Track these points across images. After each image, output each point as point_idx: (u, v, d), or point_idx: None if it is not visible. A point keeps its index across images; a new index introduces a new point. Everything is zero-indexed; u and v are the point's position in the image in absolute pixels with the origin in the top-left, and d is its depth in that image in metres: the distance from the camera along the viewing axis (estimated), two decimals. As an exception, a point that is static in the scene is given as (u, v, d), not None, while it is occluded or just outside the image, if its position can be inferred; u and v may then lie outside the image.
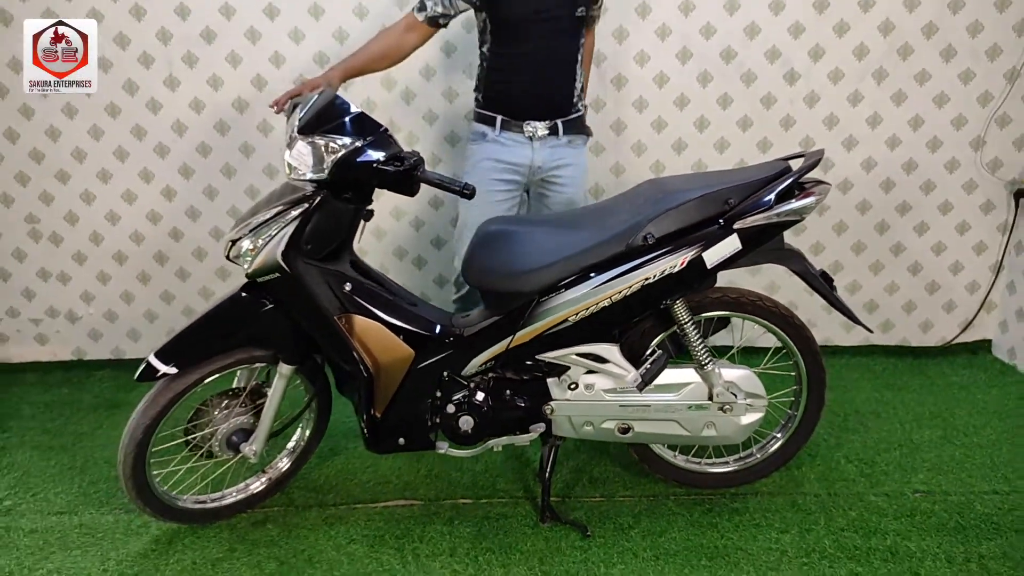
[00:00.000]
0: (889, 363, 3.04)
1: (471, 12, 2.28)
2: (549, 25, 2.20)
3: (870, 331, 2.19)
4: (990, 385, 2.86)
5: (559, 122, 2.29)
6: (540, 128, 2.28)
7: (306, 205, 1.82)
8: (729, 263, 1.91)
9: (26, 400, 2.88)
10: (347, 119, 1.83)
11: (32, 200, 2.93)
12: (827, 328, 3.08)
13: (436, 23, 2.26)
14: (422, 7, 2.24)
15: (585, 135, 2.41)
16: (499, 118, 2.29)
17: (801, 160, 1.94)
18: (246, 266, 1.86)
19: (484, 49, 2.30)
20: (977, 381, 2.89)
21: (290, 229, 1.81)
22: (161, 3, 2.71)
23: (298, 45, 2.76)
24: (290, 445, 2.23)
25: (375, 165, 1.81)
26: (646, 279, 1.88)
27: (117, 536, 2.09)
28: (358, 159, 1.81)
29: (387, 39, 2.27)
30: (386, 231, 2.98)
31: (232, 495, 2.16)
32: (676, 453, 2.21)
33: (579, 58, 2.29)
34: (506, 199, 2.36)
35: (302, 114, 1.84)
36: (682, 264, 1.87)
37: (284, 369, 2.00)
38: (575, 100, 2.32)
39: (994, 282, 3.03)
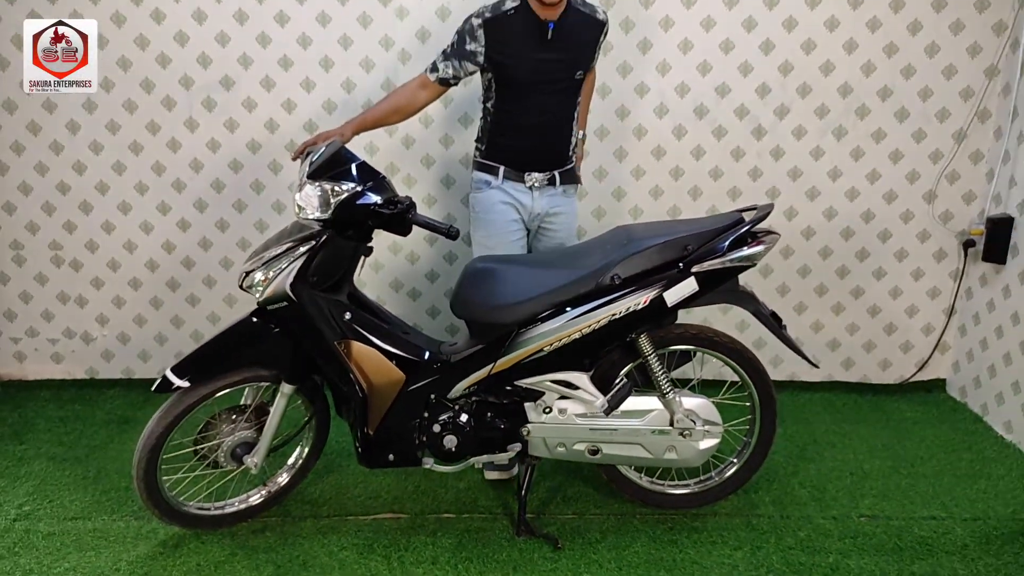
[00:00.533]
0: (850, 398, 3.26)
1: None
2: (549, 87, 2.36)
3: (816, 365, 2.39)
4: (941, 421, 3.07)
5: (556, 173, 2.46)
6: (540, 179, 2.45)
7: (313, 242, 2.05)
8: (688, 302, 2.14)
9: (41, 415, 3.08)
10: (350, 167, 2.08)
11: (56, 229, 3.16)
12: (793, 364, 3.30)
13: (447, 83, 2.44)
14: (434, 69, 2.41)
15: (576, 183, 2.57)
16: (502, 168, 2.44)
17: (754, 211, 2.18)
18: (258, 295, 2.08)
19: (488, 105, 2.46)
20: (929, 417, 3.10)
21: (299, 263, 2.04)
22: (184, 52, 2.97)
23: (309, 93, 3.02)
24: (290, 461, 2.43)
25: (373, 207, 2.05)
26: (613, 315, 2.11)
27: (128, 540, 2.29)
28: (358, 202, 2.04)
29: (400, 96, 2.45)
30: (384, 264, 3.21)
31: (233, 505, 2.36)
32: (642, 475, 2.42)
33: (575, 115, 2.46)
34: (520, 238, 2.49)
35: (312, 162, 2.09)
36: (645, 302, 2.10)
37: (286, 388, 2.21)
38: (570, 153, 2.50)
39: (947, 325, 3.26)
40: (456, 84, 2.47)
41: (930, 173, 3.10)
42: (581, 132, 2.60)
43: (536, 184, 2.44)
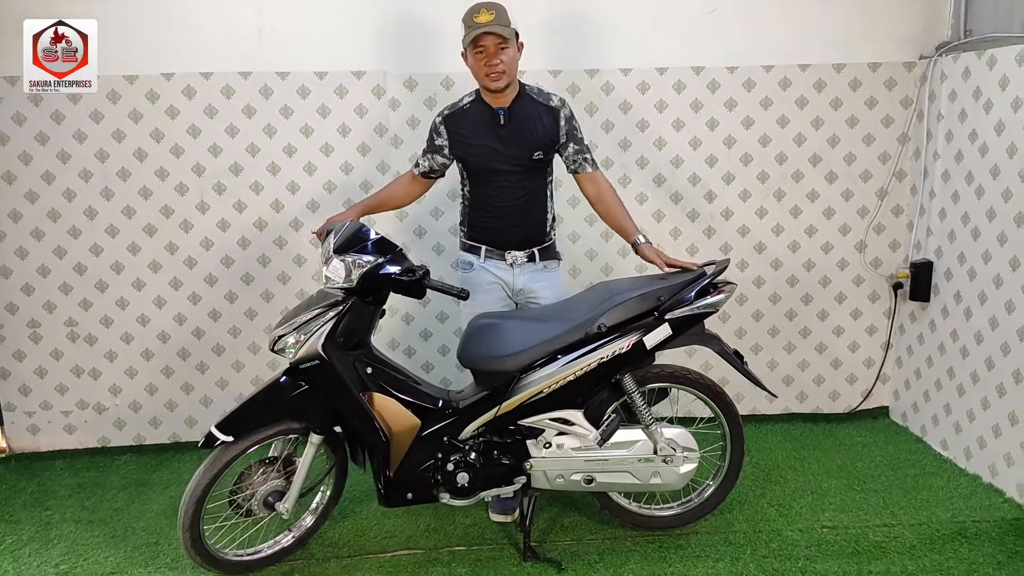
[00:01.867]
0: (805, 427, 3.63)
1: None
2: (511, 170, 2.59)
3: (774, 396, 2.75)
4: (887, 443, 3.45)
5: (535, 250, 2.69)
6: (520, 256, 2.68)
7: (340, 307, 2.36)
8: (664, 345, 2.50)
9: (59, 483, 3.24)
10: (370, 242, 2.41)
11: (73, 307, 3.39)
12: (754, 399, 3.67)
13: (430, 176, 2.75)
14: (417, 164, 2.73)
15: (558, 259, 2.79)
16: (483, 248, 2.68)
17: (713, 266, 2.57)
18: (290, 356, 2.37)
19: (465, 191, 2.72)
20: (876, 440, 3.48)
21: (328, 326, 2.34)
22: (197, 143, 3.29)
23: (311, 176, 3.36)
24: (313, 505, 2.66)
25: (392, 276, 2.37)
26: (601, 358, 2.44)
27: (166, 589, 2.49)
28: (379, 272, 2.37)
29: (396, 187, 2.78)
30: (381, 326, 3.50)
31: (264, 550, 2.58)
32: (631, 500, 2.72)
33: (548, 193, 2.69)
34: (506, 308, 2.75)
35: (335, 239, 2.41)
36: (628, 347, 2.45)
37: (314, 439, 2.48)
38: (548, 230, 2.71)
39: (885, 358, 3.68)
40: (439, 176, 2.77)
41: (859, 226, 3.56)
42: (641, 237, 2.67)
43: (517, 262, 2.68)
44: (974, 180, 3.07)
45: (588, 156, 2.72)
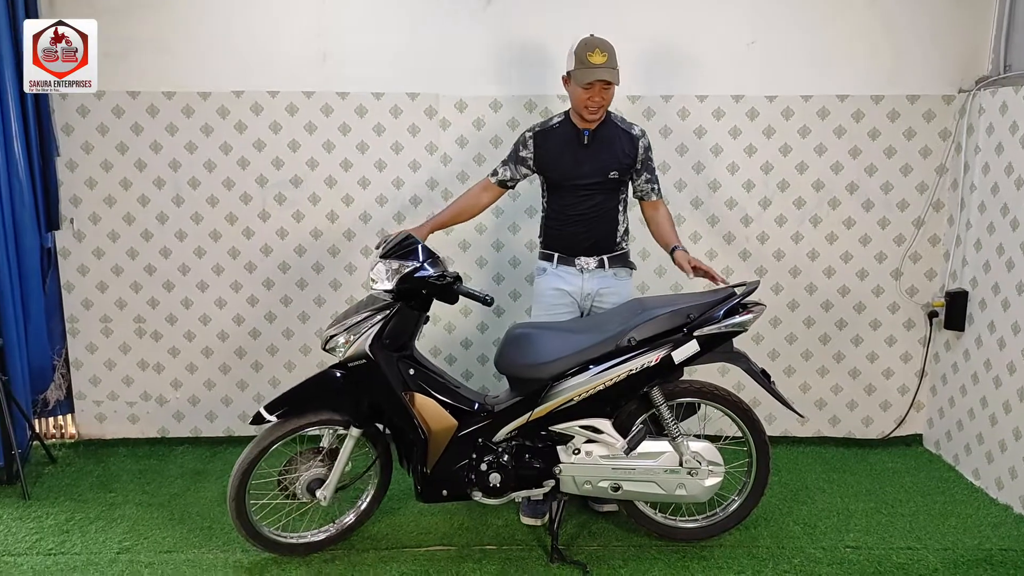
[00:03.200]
0: (837, 452, 3.66)
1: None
2: (587, 185, 2.78)
3: (803, 416, 2.82)
4: (918, 470, 3.47)
5: (605, 258, 2.85)
6: (591, 263, 2.84)
7: (388, 311, 2.54)
8: (692, 361, 2.61)
9: (123, 469, 3.48)
10: (414, 249, 2.59)
11: (142, 304, 3.65)
12: (785, 421, 3.73)
13: (505, 185, 2.94)
14: (495, 173, 2.94)
15: (630, 268, 2.93)
16: (556, 255, 2.88)
17: (743, 287, 2.68)
18: (340, 354, 2.55)
19: (544, 201, 2.93)
20: (908, 467, 3.50)
21: (375, 328, 2.52)
22: (261, 156, 3.53)
23: (365, 190, 3.57)
24: (358, 503, 2.83)
25: (428, 279, 2.54)
26: (631, 370, 2.56)
27: (217, 568, 2.67)
28: (416, 275, 2.54)
29: (464, 200, 2.96)
30: (425, 333, 3.68)
31: (306, 537, 2.75)
32: (656, 511, 2.82)
33: (620, 208, 2.85)
34: (566, 316, 2.86)
35: (384, 246, 2.60)
36: (656, 360, 2.56)
37: (354, 431, 2.65)
38: (618, 240, 2.86)
39: (919, 386, 3.70)
40: (513, 187, 2.98)
41: (895, 254, 3.61)
42: (679, 245, 2.85)
43: (586, 267, 2.85)
44: (1009, 212, 3.11)
45: (656, 187, 2.93)
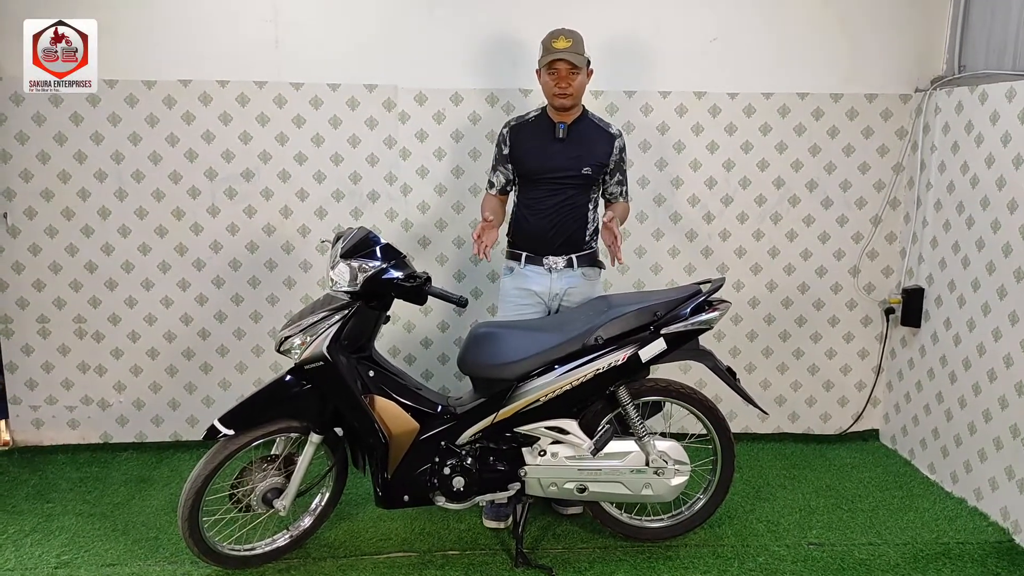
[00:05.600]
0: (796, 447, 3.69)
1: None
2: (559, 179, 2.73)
3: (766, 413, 2.82)
4: (875, 466, 3.51)
5: (574, 257, 2.78)
6: (559, 262, 2.77)
7: (346, 311, 2.43)
8: (659, 359, 2.57)
9: (61, 477, 3.30)
10: (376, 248, 2.49)
11: (82, 304, 3.46)
12: (746, 418, 3.74)
13: (505, 191, 2.85)
14: (490, 184, 2.86)
15: (598, 267, 2.87)
16: (524, 255, 2.80)
17: (709, 284, 2.65)
18: (296, 356, 2.44)
19: (514, 195, 2.88)
20: (866, 462, 3.54)
21: (333, 329, 2.42)
22: (211, 149, 3.38)
23: (320, 184, 3.45)
24: (312, 506, 2.72)
25: (395, 281, 2.45)
26: (597, 369, 2.51)
27: (165, 581, 2.54)
28: (383, 277, 2.45)
29: (493, 203, 2.82)
30: (383, 333, 3.58)
31: (261, 547, 2.63)
32: (622, 511, 2.78)
33: (591, 207, 2.80)
34: (532, 316, 2.79)
35: (343, 244, 2.49)
36: (623, 359, 2.52)
37: (314, 438, 2.54)
38: (587, 239, 2.80)
39: (876, 382, 3.75)
40: (512, 189, 2.88)
41: (853, 251, 3.64)
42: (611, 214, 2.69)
43: (554, 267, 2.78)
44: (965, 210, 3.15)
45: (625, 188, 2.92)
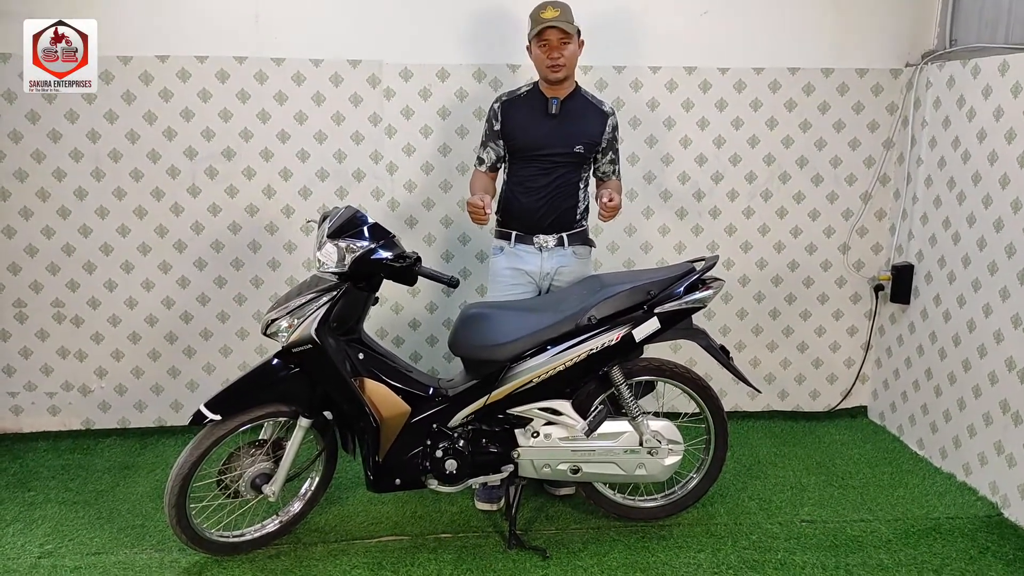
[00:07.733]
0: (786, 425, 3.69)
1: None
2: (550, 156, 2.69)
3: (758, 391, 2.81)
4: (864, 442, 3.53)
5: (564, 235, 2.75)
6: (550, 241, 2.74)
7: (334, 293, 2.38)
8: (652, 339, 2.54)
9: (43, 465, 3.23)
10: (364, 228, 2.42)
11: (60, 287, 3.37)
12: (736, 396, 3.73)
13: (495, 168, 2.80)
14: (480, 161, 2.79)
15: (589, 246, 2.84)
16: (514, 234, 2.76)
17: (702, 262, 2.62)
18: (283, 339, 2.38)
19: (504, 174, 2.83)
20: (855, 439, 3.56)
21: (321, 311, 2.36)
22: (190, 127, 3.28)
23: (304, 163, 3.36)
24: (302, 491, 2.68)
25: (384, 262, 2.39)
26: (591, 350, 2.48)
27: (153, 569, 2.49)
28: (371, 257, 2.39)
29: (483, 181, 2.78)
30: (371, 314, 3.52)
31: (250, 533, 2.59)
32: (616, 491, 2.76)
33: (581, 185, 2.76)
34: (523, 296, 2.76)
35: (330, 224, 2.43)
36: (617, 339, 2.49)
37: (303, 422, 2.49)
38: (578, 217, 2.77)
39: (865, 359, 3.75)
40: (502, 166, 2.82)
41: (843, 228, 3.63)
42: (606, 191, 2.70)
43: (545, 246, 2.74)
44: (956, 186, 3.14)
45: (617, 167, 2.87)
